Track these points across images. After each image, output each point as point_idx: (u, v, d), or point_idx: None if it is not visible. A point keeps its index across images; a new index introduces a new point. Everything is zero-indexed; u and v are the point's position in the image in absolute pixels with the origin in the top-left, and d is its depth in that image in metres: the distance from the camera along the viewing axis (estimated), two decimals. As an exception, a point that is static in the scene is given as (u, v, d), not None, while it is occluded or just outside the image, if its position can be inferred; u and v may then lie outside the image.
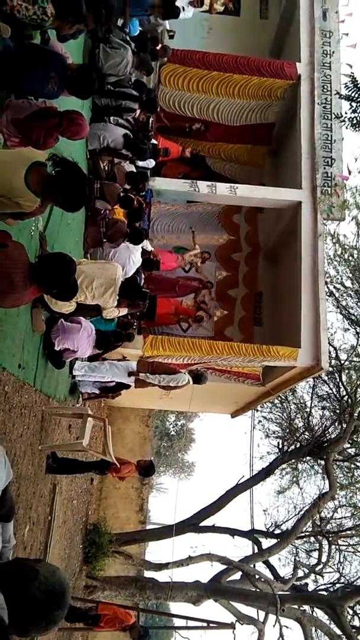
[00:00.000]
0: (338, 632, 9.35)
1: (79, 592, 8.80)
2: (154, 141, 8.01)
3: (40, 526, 5.63)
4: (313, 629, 9.76)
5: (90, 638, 10.77)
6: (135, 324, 7.53)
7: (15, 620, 1.36)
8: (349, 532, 11.75)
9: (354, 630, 9.45)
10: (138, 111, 7.02)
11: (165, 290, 8.96)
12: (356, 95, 5.45)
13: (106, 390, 7.25)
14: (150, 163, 7.83)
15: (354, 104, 5.25)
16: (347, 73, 6.14)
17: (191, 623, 8.75)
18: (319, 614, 10.05)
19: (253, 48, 9.92)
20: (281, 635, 9.69)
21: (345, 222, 8.67)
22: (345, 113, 5.45)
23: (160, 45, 7.65)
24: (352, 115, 5.31)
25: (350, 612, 10.04)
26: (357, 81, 5.51)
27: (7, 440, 4.14)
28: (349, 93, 5.23)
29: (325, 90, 8.54)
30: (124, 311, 5.76)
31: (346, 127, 5.61)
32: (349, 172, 8.46)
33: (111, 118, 6.74)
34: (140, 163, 7.39)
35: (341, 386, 11.15)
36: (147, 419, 14.87)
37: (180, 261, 9.22)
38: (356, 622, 10.26)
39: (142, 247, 7.16)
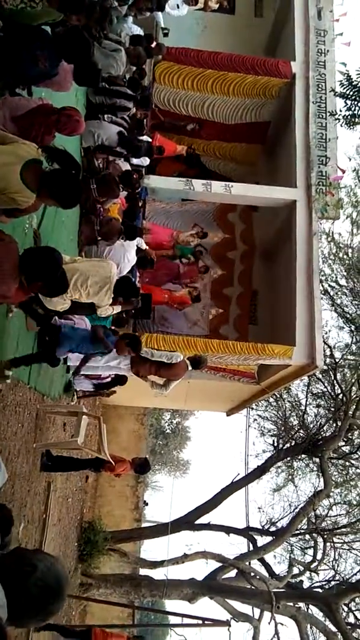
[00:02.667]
0: (333, 629, 9.40)
1: (74, 590, 8.80)
2: (148, 139, 8.00)
3: (35, 524, 5.63)
4: (308, 626, 9.81)
5: None
6: (129, 321, 7.52)
7: (13, 612, 1.38)
8: (343, 529, 11.82)
9: (349, 627, 9.51)
10: (133, 109, 7.01)
11: (165, 277, 8.89)
12: (351, 93, 5.46)
13: (101, 387, 7.23)
14: (145, 161, 7.82)
15: (348, 102, 5.26)
16: (342, 71, 6.15)
17: (186, 621, 8.76)
18: (314, 611, 10.12)
19: (248, 46, 9.92)
20: (276, 632, 9.75)
21: (340, 221, 8.71)
22: (340, 111, 5.46)
23: (154, 43, 7.64)
24: (347, 112, 5.32)
25: (345, 609, 10.09)
26: (351, 79, 5.53)
27: (2, 439, 4.14)
28: (344, 90, 5.24)
29: (320, 89, 8.56)
30: (117, 309, 5.75)
31: (341, 125, 5.64)
32: (343, 172, 8.48)
33: (105, 116, 6.74)
34: (134, 161, 7.38)
35: (336, 384, 11.19)
36: (142, 417, 14.87)
37: (174, 236, 9.14)
38: (351, 619, 10.33)
39: (136, 245, 7.16)
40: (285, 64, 8.64)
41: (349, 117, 5.45)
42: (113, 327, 6.50)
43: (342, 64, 8.38)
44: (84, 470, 7.56)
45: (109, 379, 7.11)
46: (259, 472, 11.71)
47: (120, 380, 7.05)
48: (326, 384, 11.75)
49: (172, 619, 9.56)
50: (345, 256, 11.39)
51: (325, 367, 9.89)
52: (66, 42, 3.59)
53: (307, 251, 8.02)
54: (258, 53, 9.81)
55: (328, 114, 7.97)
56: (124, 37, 6.01)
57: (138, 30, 6.77)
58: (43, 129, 3.58)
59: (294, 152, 8.38)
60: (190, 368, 6.19)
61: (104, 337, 5.31)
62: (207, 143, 9.96)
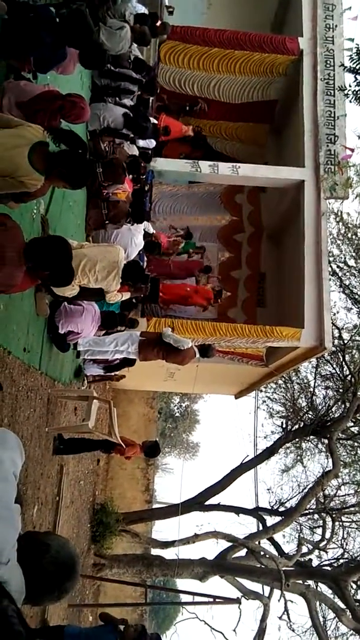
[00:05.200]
0: (342, 605, 9.54)
1: (87, 570, 8.99)
2: (154, 120, 7.90)
3: (49, 506, 5.73)
4: (317, 603, 9.96)
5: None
6: (138, 306, 7.52)
7: (29, 591, 1.41)
8: (352, 509, 11.92)
9: (358, 604, 9.64)
10: (138, 92, 6.92)
11: (159, 270, 8.92)
12: (360, 68, 5.31)
13: (110, 369, 7.26)
14: (151, 143, 7.74)
15: (358, 77, 5.13)
16: (350, 47, 5.99)
17: (197, 599, 8.92)
18: (323, 588, 10.25)
19: (254, 23, 9.70)
20: (286, 609, 9.91)
21: (349, 200, 8.58)
22: (350, 86, 5.33)
23: (159, 22, 7.49)
24: (356, 88, 5.19)
25: (354, 586, 10.22)
26: (361, 53, 5.37)
27: (15, 423, 4.19)
28: (354, 65, 5.10)
29: (328, 65, 8.38)
30: (127, 295, 5.75)
31: (350, 101, 5.50)
32: (352, 150, 8.34)
33: (109, 98, 6.66)
34: (141, 143, 7.30)
35: (344, 366, 11.18)
36: (151, 400, 14.97)
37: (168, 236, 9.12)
38: (359, 596, 10.47)
39: (144, 230, 7.13)
40: (292, 41, 8.46)
41: (358, 92, 5.32)
42: (121, 312, 6.52)
43: (350, 40, 8.21)
44: (95, 451, 7.64)
45: (117, 361, 7.15)
46: (268, 453, 11.79)
47: (129, 361, 7.08)
48: (335, 366, 11.73)
49: (184, 597, 9.72)
50: (354, 236, 11.27)
51: (333, 349, 9.87)
52: (69, 26, 3.54)
53: (316, 232, 7.94)
54: (265, 30, 9.61)
55: (337, 89, 7.81)
56: (129, 16, 5.90)
57: (142, 9, 6.65)
58: (48, 116, 3.56)
59: (301, 131, 8.25)
60: (198, 356, 6.23)
61: None
62: (214, 124, 9.82)
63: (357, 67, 5.10)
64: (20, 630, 0.99)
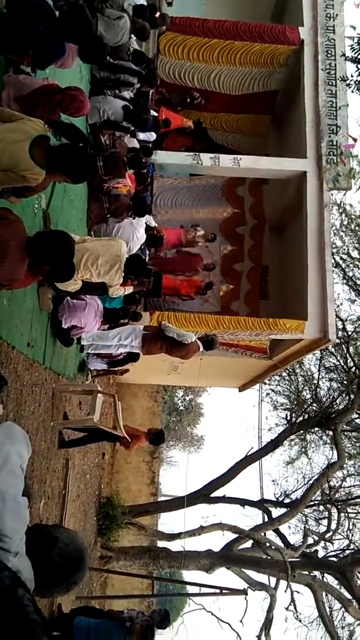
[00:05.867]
0: (348, 596, 9.59)
1: (94, 563, 9.05)
2: (154, 113, 7.86)
3: (55, 500, 5.76)
4: (324, 593, 10.00)
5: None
6: (141, 300, 7.52)
7: (38, 583, 1.42)
8: (357, 499, 11.94)
9: (364, 594, 9.67)
10: (138, 85, 6.88)
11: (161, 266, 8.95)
12: (362, 57, 5.26)
13: (114, 364, 7.27)
14: (152, 136, 7.71)
15: (360, 66, 5.09)
16: (352, 36, 5.94)
17: (204, 590, 8.97)
18: (329, 579, 10.30)
19: (254, 13, 9.62)
20: (292, 600, 9.97)
21: (352, 191, 8.53)
22: (351, 76, 5.28)
23: (158, 13, 7.44)
24: (358, 78, 5.15)
25: (360, 576, 10.26)
26: (363, 42, 5.32)
27: (20, 417, 4.21)
28: (355, 55, 5.06)
29: (329, 55, 8.31)
30: (130, 289, 5.75)
31: (352, 91, 5.46)
32: (354, 140, 8.28)
33: (109, 91, 6.62)
34: (141, 136, 7.27)
35: (348, 357, 11.16)
36: (155, 394, 15.01)
37: (182, 237, 9.16)
38: (366, 586, 10.50)
39: (145, 223, 7.11)
40: (292, 31, 8.39)
41: (360, 82, 5.28)
42: (124, 306, 6.52)
43: (352, 27, 8.12)
44: (100, 442, 7.66)
45: (121, 356, 7.16)
46: (273, 445, 11.81)
47: (132, 356, 7.10)
48: (339, 358, 11.72)
49: (190, 589, 9.78)
50: (357, 228, 11.21)
51: (337, 341, 9.85)
52: (67, 21, 3.53)
53: (318, 223, 7.91)
54: (265, 20, 9.52)
55: (339, 79, 7.74)
56: (127, 8, 5.85)
57: (141, 1, 6.59)
58: (47, 110, 3.55)
59: (303, 122, 8.19)
60: (202, 349, 6.22)
61: None
62: (214, 116, 9.77)
63: (359, 57, 5.05)
64: (35, 618, 1.00)
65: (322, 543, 11.58)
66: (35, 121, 2.99)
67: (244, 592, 8.98)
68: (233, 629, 9.46)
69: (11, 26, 3.36)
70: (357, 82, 5.18)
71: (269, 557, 9.82)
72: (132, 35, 6.02)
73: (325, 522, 11.91)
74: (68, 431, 5.97)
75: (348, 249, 11.49)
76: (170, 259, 9.18)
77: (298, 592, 10.00)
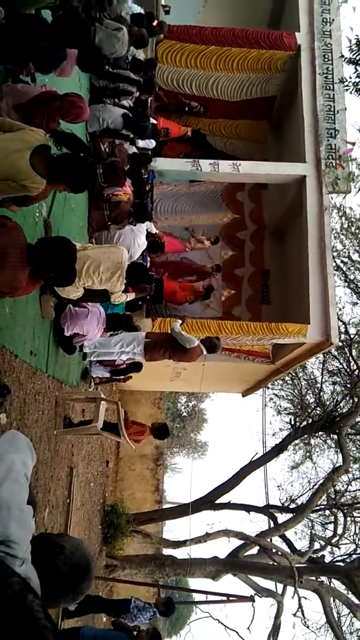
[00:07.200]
0: (356, 601, 9.51)
1: (99, 572, 8.99)
2: (153, 121, 7.90)
3: (60, 509, 5.73)
4: (331, 599, 9.93)
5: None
6: (142, 306, 7.52)
7: (44, 593, 1.41)
8: (363, 504, 11.86)
9: (372, 599, 9.59)
10: (137, 93, 6.92)
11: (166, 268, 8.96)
12: (360, 58, 5.27)
13: (116, 373, 7.26)
14: (151, 143, 7.74)
15: (358, 68, 5.10)
16: (350, 37, 5.95)
17: (211, 597, 8.91)
18: (337, 584, 10.22)
19: (251, 20, 9.69)
20: (300, 606, 9.89)
21: (351, 195, 8.54)
22: (350, 77, 5.29)
23: (156, 22, 7.49)
24: (356, 79, 5.16)
25: (367, 581, 10.17)
26: (361, 44, 5.33)
27: (23, 426, 4.19)
28: (353, 56, 5.07)
29: (326, 59, 8.35)
30: (131, 296, 5.75)
31: (350, 93, 5.47)
32: (352, 144, 8.31)
33: (108, 100, 6.66)
34: (140, 144, 7.30)
35: (351, 360, 11.14)
36: (158, 401, 14.98)
37: (186, 245, 9.21)
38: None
39: (146, 230, 7.12)
40: (289, 36, 8.43)
41: (358, 84, 5.28)
42: (126, 312, 6.52)
43: (350, 29, 8.16)
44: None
45: (123, 366, 7.15)
46: (277, 450, 11.76)
47: (135, 366, 7.09)
48: (342, 361, 11.70)
49: (197, 597, 9.72)
50: (357, 230, 11.23)
51: (340, 344, 9.83)
52: (64, 27, 3.53)
53: (319, 227, 7.91)
54: (261, 26, 9.59)
55: (337, 81, 7.77)
56: (125, 16, 5.89)
57: (139, 9, 6.64)
58: (46, 117, 3.56)
59: (301, 126, 8.22)
60: (205, 353, 6.20)
61: None
62: (213, 122, 9.81)
63: (357, 58, 5.07)
64: (46, 624, 0.99)
65: (328, 548, 11.51)
66: (36, 131, 3.00)
67: (251, 599, 8.92)
68: (241, 637, 9.39)
69: (10, 38, 3.38)
70: (355, 84, 5.19)
71: (275, 563, 9.76)
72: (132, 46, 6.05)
73: (331, 526, 11.84)
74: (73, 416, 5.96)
75: (349, 252, 11.51)
76: (179, 262, 9.20)
77: (305, 598, 9.92)
